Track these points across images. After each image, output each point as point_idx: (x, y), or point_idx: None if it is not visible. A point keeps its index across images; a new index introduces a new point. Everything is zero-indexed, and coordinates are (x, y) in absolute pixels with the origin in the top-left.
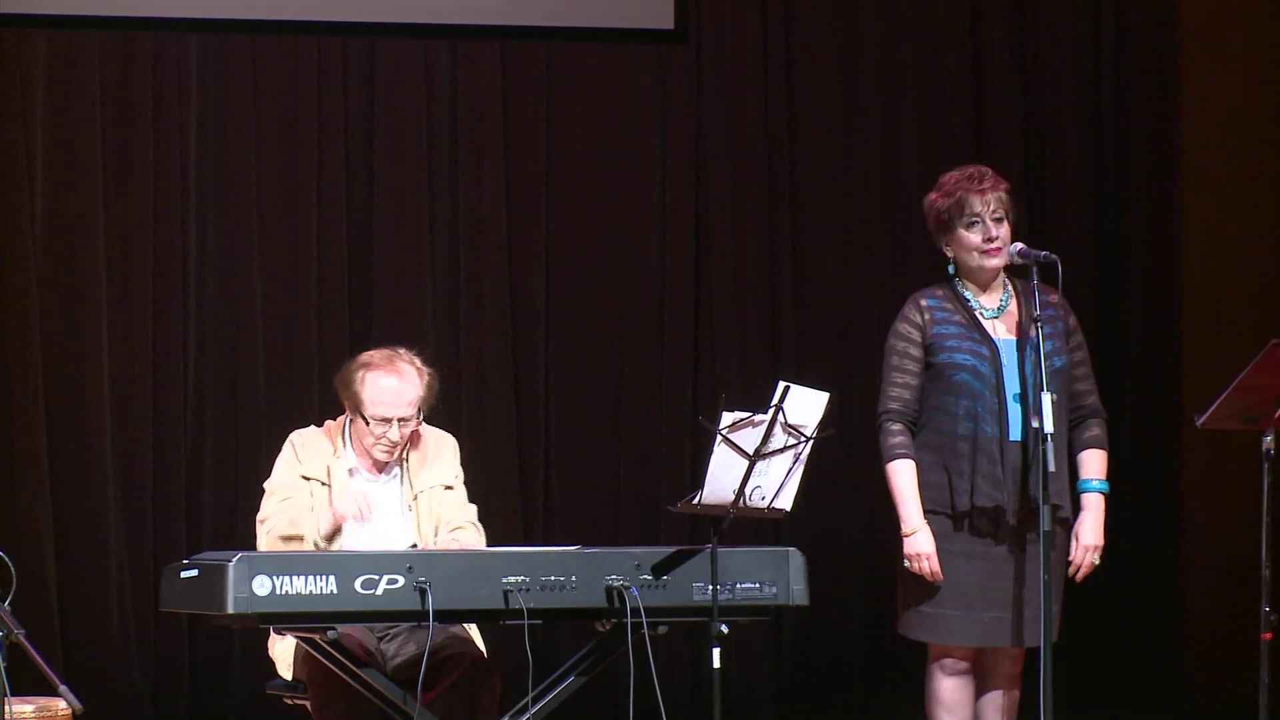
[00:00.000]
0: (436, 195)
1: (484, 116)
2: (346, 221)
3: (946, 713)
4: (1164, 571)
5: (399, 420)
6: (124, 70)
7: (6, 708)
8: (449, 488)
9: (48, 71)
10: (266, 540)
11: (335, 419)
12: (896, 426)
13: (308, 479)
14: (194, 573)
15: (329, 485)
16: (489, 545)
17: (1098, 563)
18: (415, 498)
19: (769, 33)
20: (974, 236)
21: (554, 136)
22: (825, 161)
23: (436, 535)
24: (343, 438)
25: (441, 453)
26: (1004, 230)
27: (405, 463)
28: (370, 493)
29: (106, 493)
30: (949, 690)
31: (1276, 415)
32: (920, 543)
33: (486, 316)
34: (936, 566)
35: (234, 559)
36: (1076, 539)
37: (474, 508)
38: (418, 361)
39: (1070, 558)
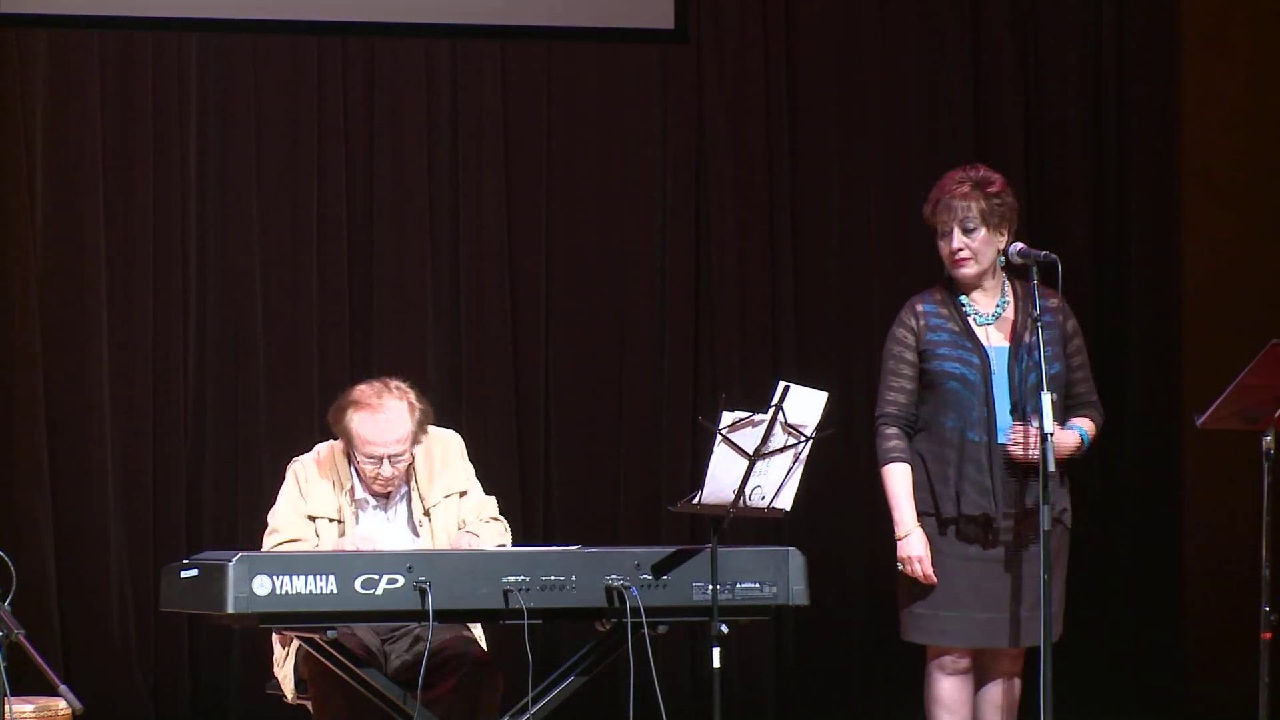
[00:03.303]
0: (437, 195)
1: (484, 116)
2: (347, 221)
3: (946, 712)
4: (1164, 571)
5: (389, 457)
6: (124, 70)
7: (6, 708)
8: (464, 493)
9: (48, 71)
10: None
11: (337, 439)
12: (892, 430)
13: (314, 518)
14: (194, 573)
15: (340, 521)
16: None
17: (1034, 455)
18: (427, 512)
19: (769, 33)
20: (943, 246)
21: (554, 136)
22: (826, 161)
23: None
24: (348, 465)
25: (449, 458)
26: (976, 239)
27: (413, 477)
28: (376, 526)
29: (106, 493)
30: (948, 690)
31: (1276, 415)
32: (913, 545)
33: (487, 316)
34: (929, 569)
35: (234, 559)
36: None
37: (492, 500)
38: (411, 395)
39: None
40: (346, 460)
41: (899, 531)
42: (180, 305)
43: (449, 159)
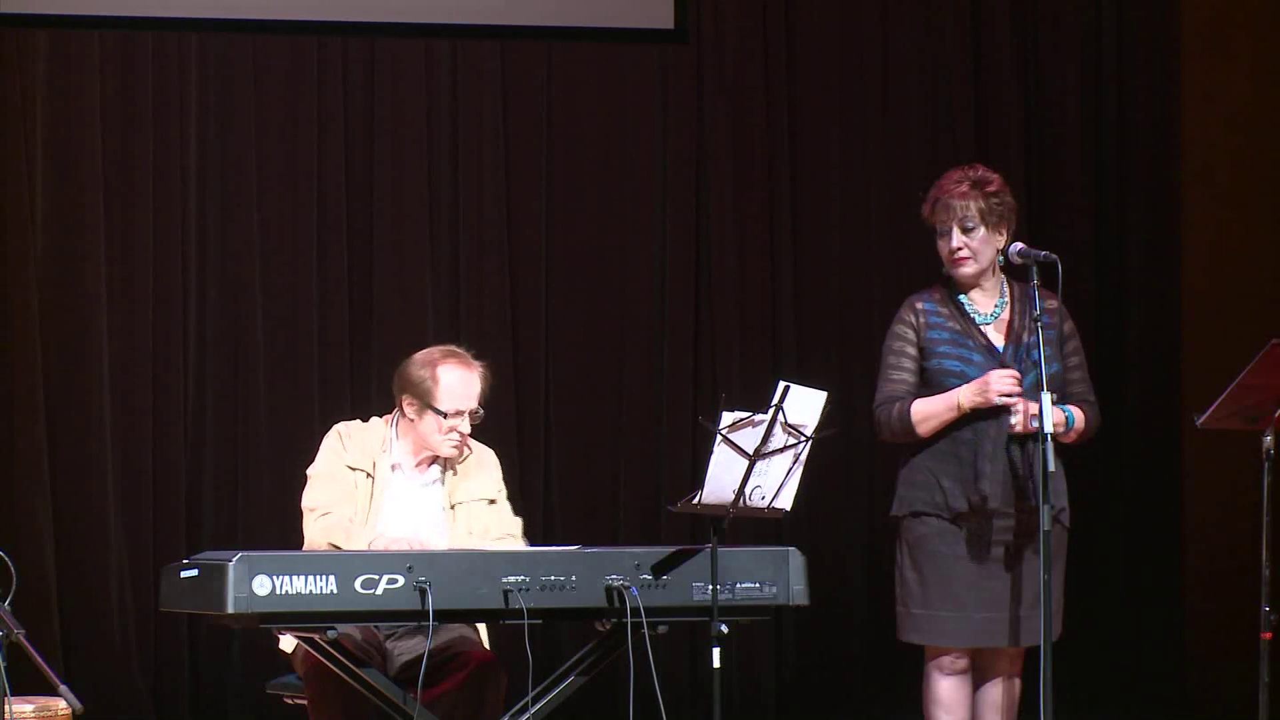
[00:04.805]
0: (436, 195)
1: (484, 116)
2: (347, 221)
3: (944, 712)
4: (1164, 571)
5: (470, 413)
6: (124, 70)
7: (6, 708)
8: (492, 502)
9: (48, 71)
10: (318, 532)
11: (381, 416)
12: (888, 406)
13: (353, 469)
14: (194, 573)
15: (373, 478)
16: None
17: (1033, 416)
18: (453, 507)
19: (769, 32)
20: (942, 245)
21: (554, 136)
22: (826, 161)
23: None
24: (393, 433)
25: (484, 467)
26: (976, 239)
27: (447, 471)
28: (410, 495)
29: (106, 493)
30: (946, 690)
31: (1276, 415)
32: (973, 390)
33: (486, 316)
34: (1010, 384)
35: (234, 559)
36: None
37: (519, 521)
38: (469, 356)
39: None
40: (392, 430)
41: (959, 406)
42: (180, 305)
43: (449, 158)
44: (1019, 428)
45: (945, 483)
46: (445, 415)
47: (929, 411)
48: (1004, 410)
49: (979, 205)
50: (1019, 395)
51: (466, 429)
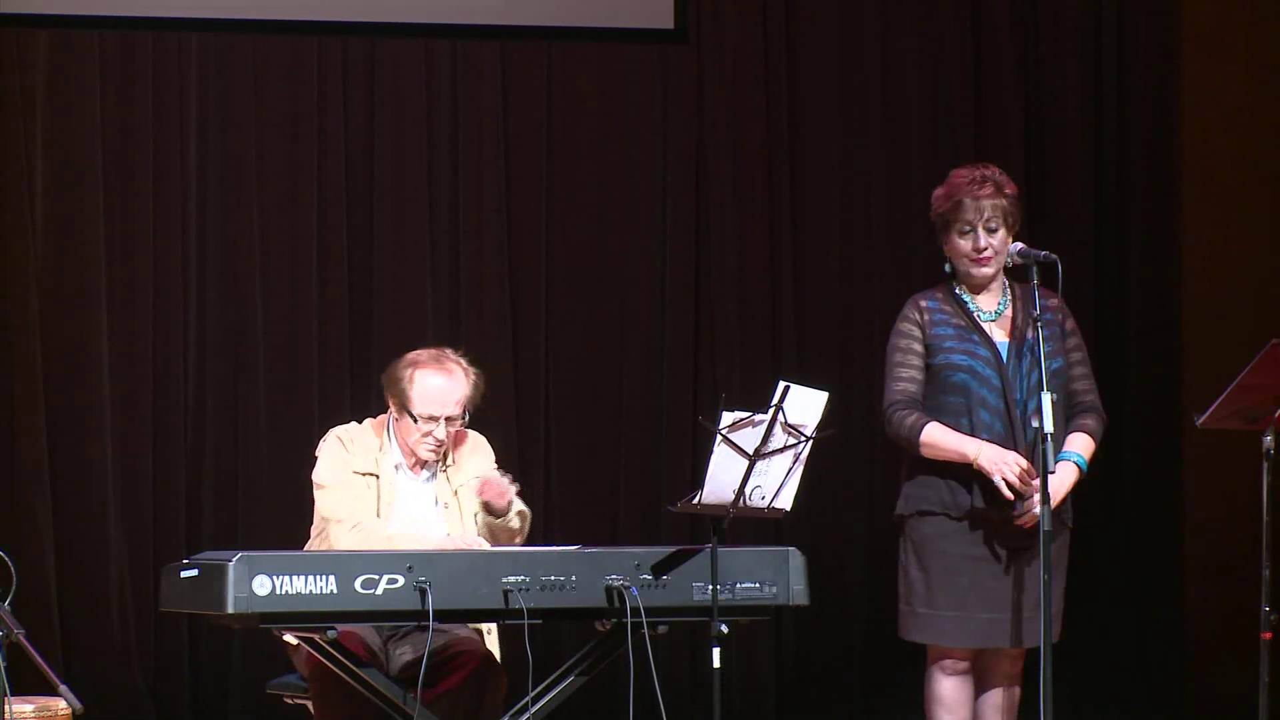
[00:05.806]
0: (436, 195)
1: (484, 116)
2: (347, 221)
3: (946, 713)
4: (1164, 571)
5: (446, 419)
6: (124, 70)
7: (6, 708)
8: None
9: (48, 71)
10: (357, 541)
11: (376, 417)
12: (906, 410)
13: (359, 474)
14: (194, 573)
15: (378, 477)
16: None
17: (1038, 516)
18: (455, 492)
19: (769, 32)
20: (965, 244)
21: (554, 136)
22: (826, 161)
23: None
24: (387, 434)
25: (477, 451)
26: (998, 239)
27: (446, 460)
28: (414, 493)
29: (106, 493)
30: (948, 691)
31: (1276, 415)
32: (990, 455)
33: (486, 316)
34: (1019, 465)
35: (234, 559)
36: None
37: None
38: (463, 362)
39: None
40: (387, 431)
41: (970, 457)
42: (180, 305)
43: (449, 159)
44: (1022, 520)
45: (952, 482)
46: (417, 420)
47: (940, 445)
48: (1009, 415)
49: (1002, 205)
50: (1024, 486)
51: (442, 435)
